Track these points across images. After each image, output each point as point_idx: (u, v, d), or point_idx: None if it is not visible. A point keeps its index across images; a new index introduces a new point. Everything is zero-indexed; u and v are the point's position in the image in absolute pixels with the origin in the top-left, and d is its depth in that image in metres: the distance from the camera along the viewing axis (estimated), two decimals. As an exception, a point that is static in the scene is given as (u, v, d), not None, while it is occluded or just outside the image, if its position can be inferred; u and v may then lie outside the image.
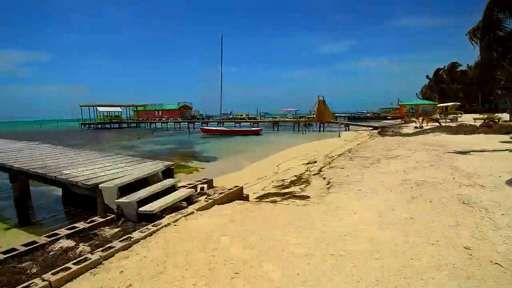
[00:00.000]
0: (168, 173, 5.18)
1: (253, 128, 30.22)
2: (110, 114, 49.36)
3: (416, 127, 21.08)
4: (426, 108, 46.05)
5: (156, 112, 75.70)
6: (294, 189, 6.43)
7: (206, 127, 31.43)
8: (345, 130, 27.61)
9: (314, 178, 7.21)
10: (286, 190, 6.34)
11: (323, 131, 30.11)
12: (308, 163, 10.08)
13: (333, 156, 10.76)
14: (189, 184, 5.29)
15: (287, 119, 39.74)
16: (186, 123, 42.05)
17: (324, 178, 6.88)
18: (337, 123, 28.58)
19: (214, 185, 5.75)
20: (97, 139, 27.33)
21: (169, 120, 48.95)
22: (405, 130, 20.71)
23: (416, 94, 68.11)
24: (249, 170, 10.27)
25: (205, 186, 5.50)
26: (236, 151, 16.26)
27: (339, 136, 22.15)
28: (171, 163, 5.50)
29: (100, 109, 47.07)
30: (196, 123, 42.60)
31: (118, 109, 50.88)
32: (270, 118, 49.21)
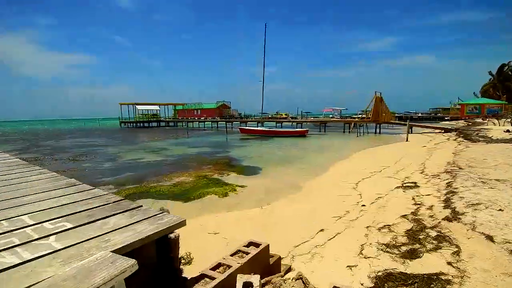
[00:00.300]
0: (167, 247, 2.14)
1: (298, 129, 26.75)
2: (148, 113, 48.66)
3: (508, 131, 16.31)
4: (492, 107, 39.59)
5: (195, 111, 75.07)
6: (431, 260, 3.11)
7: (245, 127, 28.54)
8: (409, 133, 23.19)
9: (453, 228, 3.80)
10: (418, 266, 3.03)
11: (379, 132, 25.86)
12: (403, 185, 6.58)
13: (438, 175, 7.14)
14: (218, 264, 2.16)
15: (335, 119, 35.65)
16: (224, 122, 39.70)
17: (484, 234, 3.47)
18: (400, 123, 24.16)
19: (268, 248, 2.61)
20: (132, 138, 25.70)
21: (207, 120, 47.06)
22: (493, 134, 16.10)
23: (474, 93, 59.70)
24: (311, 193, 7.01)
25: (255, 252, 2.36)
26: (284, 158, 13.04)
27: (407, 140, 18.04)
28: (174, 220, 2.35)
29: (139, 107, 46.43)
30: (234, 122, 40.05)
31: (156, 107, 50.03)
32: (311, 118, 45.26)
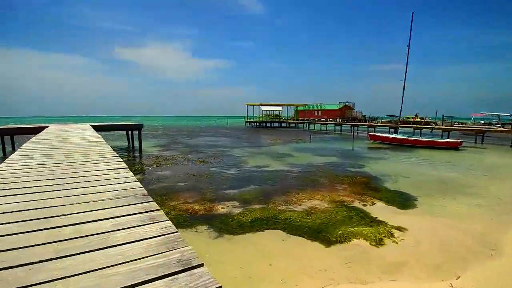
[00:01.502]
0: None
1: (448, 140, 21.59)
2: (272, 113, 49.71)
3: None
4: None
5: (316, 112, 73.54)
6: None
7: (376, 134, 25.03)
8: None
9: None
10: None
11: None
12: None
13: None
14: None
15: (499, 128, 27.73)
16: (349, 125, 36.59)
17: None
18: None
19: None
20: (255, 139, 25.99)
21: (330, 122, 44.68)
22: None
23: None
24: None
25: None
26: (441, 182, 9.90)
27: None
28: None
29: (263, 108, 47.92)
30: (360, 126, 36.40)
31: (279, 108, 50.69)
32: (460, 124, 36.85)
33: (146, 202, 2.74)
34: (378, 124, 36.78)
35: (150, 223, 2.21)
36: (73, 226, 2.15)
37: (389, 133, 28.13)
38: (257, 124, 48.18)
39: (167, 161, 13.20)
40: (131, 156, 15.27)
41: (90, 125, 14.41)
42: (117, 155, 5.12)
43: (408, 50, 23.73)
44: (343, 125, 39.13)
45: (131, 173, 3.95)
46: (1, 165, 4.19)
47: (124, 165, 4.36)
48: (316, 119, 70.43)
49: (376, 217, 6.31)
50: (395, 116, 55.13)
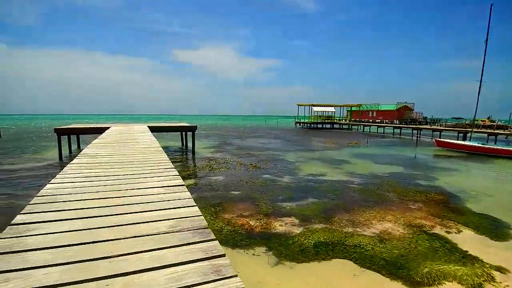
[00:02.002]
0: None
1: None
2: (324, 114, 48.00)
3: None
4: None
5: (370, 112, 69.82)
6: None
7: (444, 140, 22.46)
8: None
9: None
10: None
11: None
12: None
13: None
14: None
15: None
16: (410, 129, 33.69)
17: None
18: None
19: None
20: (307, 142, 24.99)
21: (387, 124, 41.77)
22: None
23: None
24: None
25: None
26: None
27: None
28: None
29: (315, 108, 46.44)
30: (422, 130, 33.24)
31: (332, 109, 48.72)
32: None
33: (207, 240, 2.20)
34: (446, 128, 33.30)
35: (215, 280, 1.65)
36: (122, 277, 1.68)
37: (458, 139, 25.24)
38: (308, 125, 46.85)
39: (220, 165, 12.98)
40: (185, 158, 15.41)
41: (148, 126, 14.81)
42: (173, 166, 4.78)
43: (486, 45, 20.89)
44: (403, 128, 36.18)
45: (188, 193, 3.50)
46: (59, 175, 4.05)
47: (181, 181, 3.95)
48: (371, 120, 66.77)
49: (466, 251, 5.19)
50: (461, 118, 49.74)
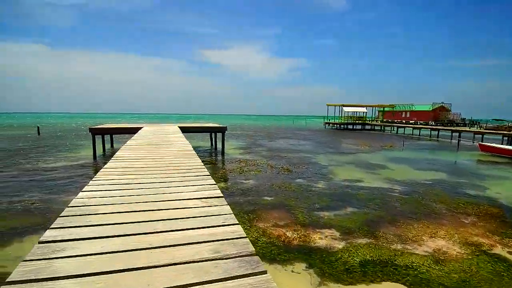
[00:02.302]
0: None
1: None
2: (355, 115, 46.47)
3: None
4: None
5: (403, 113, 67.00)
6: None
7: (490, 144, 20.74)
8: None
9: None
10: None
11: None
12: None
13: None
14: None
15: None
16: (449, 131, 31.65)
17: None
18: None
19: None
20: (338, 143, 24.12)
21: (422, 125, 39.66)
22: None
23: None
24: None
25: None
26: None
27: None
28: None
29: (346, 109, 45.05)
30: (463, 132, 30.98)
31: (364, 109, 47.03)
32: None
33: (257, 273, 1.83)
34: (489, 131, 30.97)
35: None
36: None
37: (502, 143, 23.35)
38: (337, 125, 45.53)
39: (250, 168, 12.67)
40: (214, 159, 15.26)
41: (178, 127, 14.80)
42: (208, 174, 4.48)
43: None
44: (441, 130, 34.10)
45: (228, 207, 3.17)
46: (91, 181, 3.86)
47: (218, 192, 3.63)
48: (404, 121, 63.90)
49: (541, 280, 4.47)
50: (502, 120, 46.12)
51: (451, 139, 29.46)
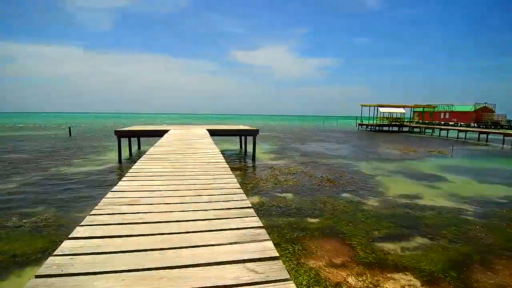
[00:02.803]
0: None
1: None
2: (392, 116, 43.59)
3: None
4: None
5: (442, 114, 62.74)
6: None
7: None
8: None
9: None
10: None
11: None
12: None
13: None
14: None
15: None
16: (501, 135, 28.36)
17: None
18: None
19: None
20: (377, 147, 22.01)
21: (468, 127, 36.30)
22: None
23: None
24: None
25: None
26: None
27: None
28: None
29: (382, 109, 42.30)
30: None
31: (402, 110, 43.92)
32: None
33: None
34: None
35: None
36: None
37: None
38: (372, 127, 42.86)
39: (285, 176, 11.27)
40: (244, 165, 14.00)
41: (207, 130, 13.72)
42: (241, 190, 3.24)
43: None
44: (490, 133, 30.81)
45: (270, 242, 1.83)
46: (104, 199, 2.73)
47: (255, 218, 2.33)
48: (443, 122, 59.65)
49: None
50: None
51: (503, 143, 26.37)
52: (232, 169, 5.20)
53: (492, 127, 53.23)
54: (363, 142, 26.88)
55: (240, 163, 14.42)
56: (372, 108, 43.22)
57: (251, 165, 14.02)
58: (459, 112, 59.56)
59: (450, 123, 59.31)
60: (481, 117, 57.14)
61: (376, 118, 42.77)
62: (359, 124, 45.44)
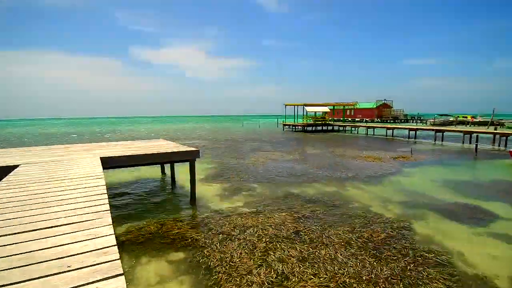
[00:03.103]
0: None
1: None
2: (317, 115, 41.76)
3: None
4: None
5: (348, 111, 65.18)
6: None
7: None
8: None
9: None
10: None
11: None
12: None
13: None
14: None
15: None
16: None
17: None
18: None
19: None
20: (325, 152, 17.92)
21: (395, 125, 36.42)
22: None
23: None
24: None
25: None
26: None
27: None
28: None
29: (308, 108, 39.92)
30: (446, 131, 27.37)
31: (326, 109, 42.47)
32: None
33: None
34: (449, 129, 28.01)
35: None
36: None
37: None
38: (299, 127, 40.24)
39: (272, 255, 5.53)
40: (180, 225, 7.60)
41: (100, 158, 6.87)
42: None
43: None
44: (393, 129, 30.61)
45: None
46: None
47: None
48: (349, 119, 62.15)
49: None
50: (447, 115, 46.42)
51: (436, 140, 25.92)
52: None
53: (392, 121, 57.28)
54: (306, 148, 22.80)
55: (168, 215, 7.91)
56: (298, 107, 40.65)
57: (190, 218, 7.69)
58: (363, 109, 62.77)
59: (356, 119, 62.18)
60: (382, 113, 61.19)
61: (303, 117, 40.38)
62: (284, 125, 42.45)
